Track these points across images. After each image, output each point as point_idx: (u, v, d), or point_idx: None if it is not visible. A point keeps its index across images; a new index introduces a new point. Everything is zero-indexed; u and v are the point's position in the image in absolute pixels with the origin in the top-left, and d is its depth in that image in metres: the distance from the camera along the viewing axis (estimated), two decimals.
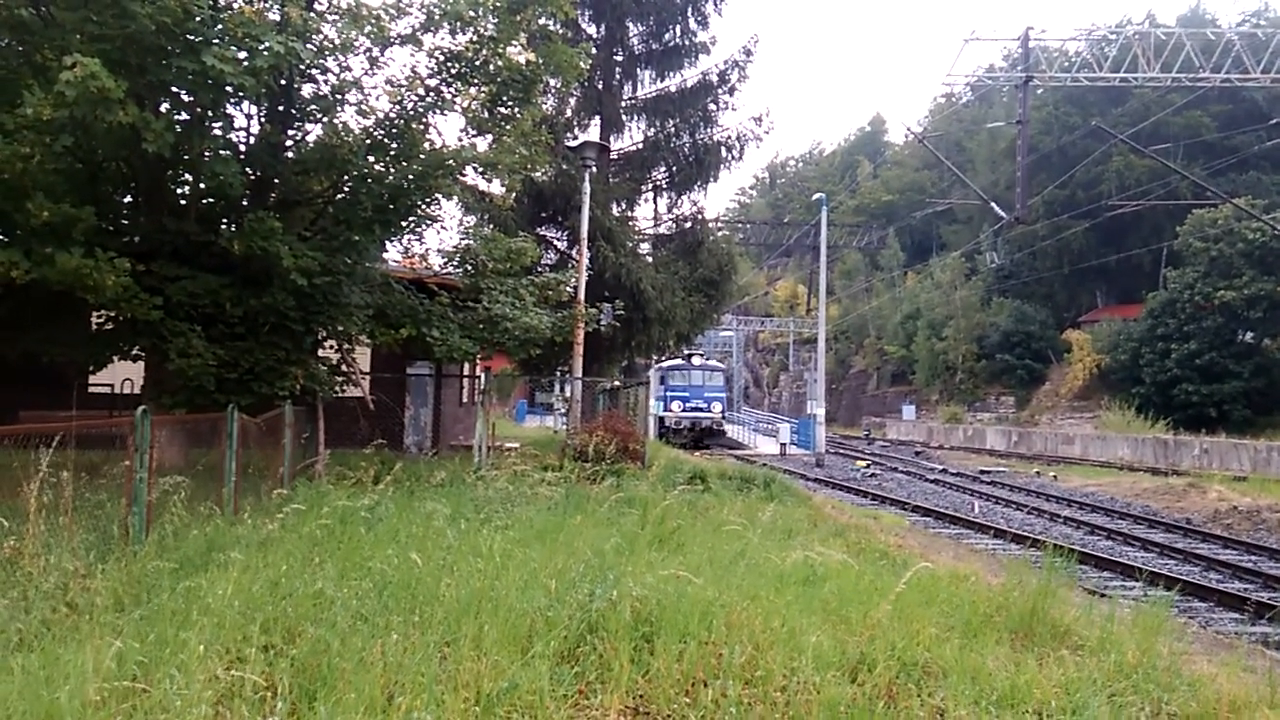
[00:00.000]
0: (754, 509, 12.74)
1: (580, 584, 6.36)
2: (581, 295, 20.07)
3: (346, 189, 14.46)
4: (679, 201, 29.37)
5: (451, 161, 14.28)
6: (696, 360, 44.23)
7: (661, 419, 41.86)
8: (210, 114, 12.80)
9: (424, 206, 15.22)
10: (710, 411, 43.03)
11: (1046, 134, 65.35)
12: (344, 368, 15.89)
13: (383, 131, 13.79)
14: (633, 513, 10.65)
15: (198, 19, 10.92)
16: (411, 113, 13.87)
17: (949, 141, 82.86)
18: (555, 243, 28.46)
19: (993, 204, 33.95)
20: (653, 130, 28.45)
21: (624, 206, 28.87)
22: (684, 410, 42.62)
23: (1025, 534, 18.03)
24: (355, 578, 6.52)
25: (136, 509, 7.47)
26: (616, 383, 29.18)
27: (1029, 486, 30.27)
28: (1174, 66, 27.85)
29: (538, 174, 23.53)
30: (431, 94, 13.96)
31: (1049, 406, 63.24)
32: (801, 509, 15.41)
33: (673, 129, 28.24)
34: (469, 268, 17.38)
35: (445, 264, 18.06)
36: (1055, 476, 34.74)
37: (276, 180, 14.26)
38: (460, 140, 15.08)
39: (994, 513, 23.18)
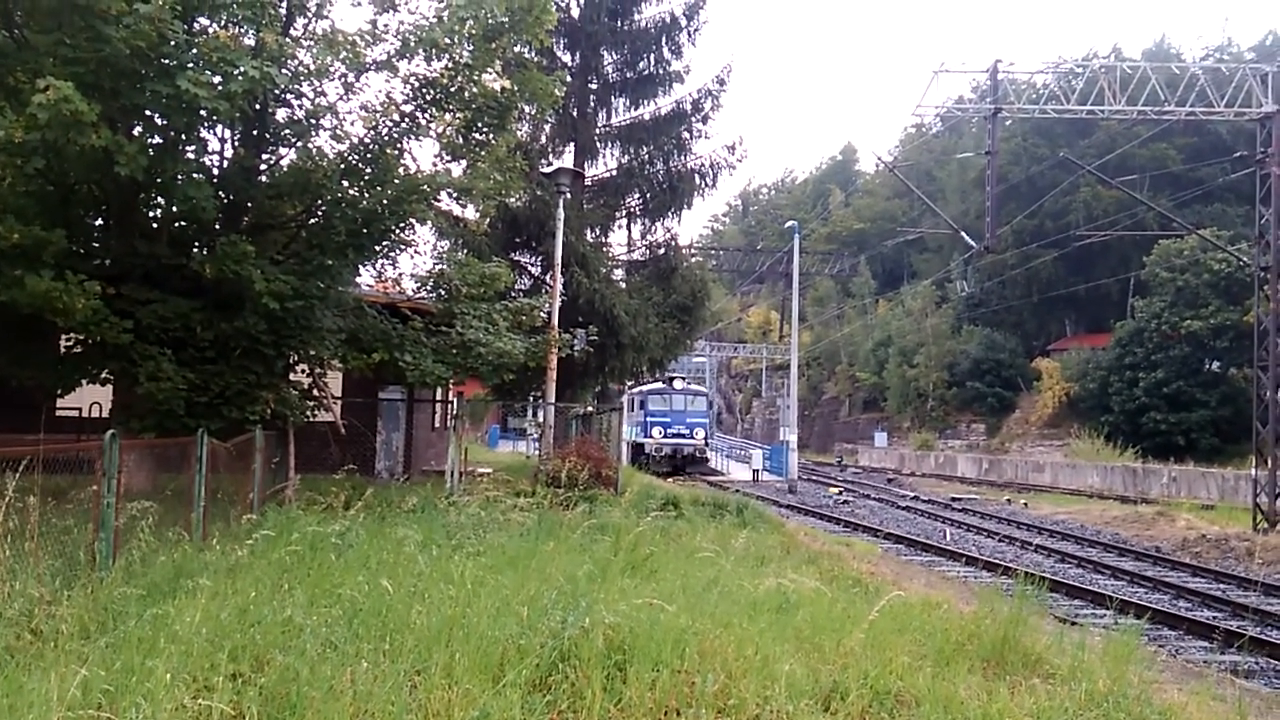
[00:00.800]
0: (727, 536, 12.73)
1: (553, 611, 6.32)
2: (555, 321, 20.07)
3: (320, 213, 14.43)
4: (653, 228, 29.52)
5: (426, 187, 14.28)
6: (678, 384, 43.32)
7: (640, 445, 41.13)
8: (184, 138, 12.75)
9: (398, 231, 15.20)
10: (693, 438, 41.92)
11: (1015, 164, 66.27)
12: (315, 392, 15.79)
13: (357, 156, 13.78)
14: (605, 539, 10.61)
15: (172, 43, 10.91)
16: (386, 138, 13.87)
17: (919, 171, 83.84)
18: (529, 268, 28.48)
19: (963, 233, 34.27)
20: (627, 157, 28.61)
21: (598, 233, 28.95)
22: (665, 436, 41.47)
23: (996, 561, 18.13)
24: (325, 605, 6.45)
25: (104, 534, 7.36)
26: (590, 408, 29.15)
27: (1000, 514, 30.43)
28: (1140, 100, 28.33)
29: (512, 200, 23.55)
30: (406, 120, 13.98)
31: (1019, 434, 63.77)
32: (774, 536, 15.43)
33: (647, 156, 28.40)
34: (442, 292, 17.34)
35: (419, 288, 18.02)
36: (1026, 504, 34.96)
37: (250, 204, 14.21)
38: (435, 165, 15.10)
39: (965, 540, 23.29)
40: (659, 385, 42.19)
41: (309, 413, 15.43)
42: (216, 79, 11.16)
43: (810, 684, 5.62)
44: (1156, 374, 52.66)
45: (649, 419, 41.82)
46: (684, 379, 45.36)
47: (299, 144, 13.95)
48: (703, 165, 28.47)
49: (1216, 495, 35.57)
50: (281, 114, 13.99)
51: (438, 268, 18.08)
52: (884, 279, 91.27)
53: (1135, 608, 13.94)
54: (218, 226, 13.65)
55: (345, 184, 13.86)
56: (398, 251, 16.11)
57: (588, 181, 27.92)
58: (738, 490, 27.14)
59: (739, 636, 6.38)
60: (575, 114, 27.73)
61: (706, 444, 43.32)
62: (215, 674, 4.88)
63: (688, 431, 41.76)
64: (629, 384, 43.03)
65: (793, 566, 11.02)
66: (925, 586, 12.80)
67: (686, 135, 28.41)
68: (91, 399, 16.82)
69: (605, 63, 28.37)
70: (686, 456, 41.23)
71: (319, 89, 13.48)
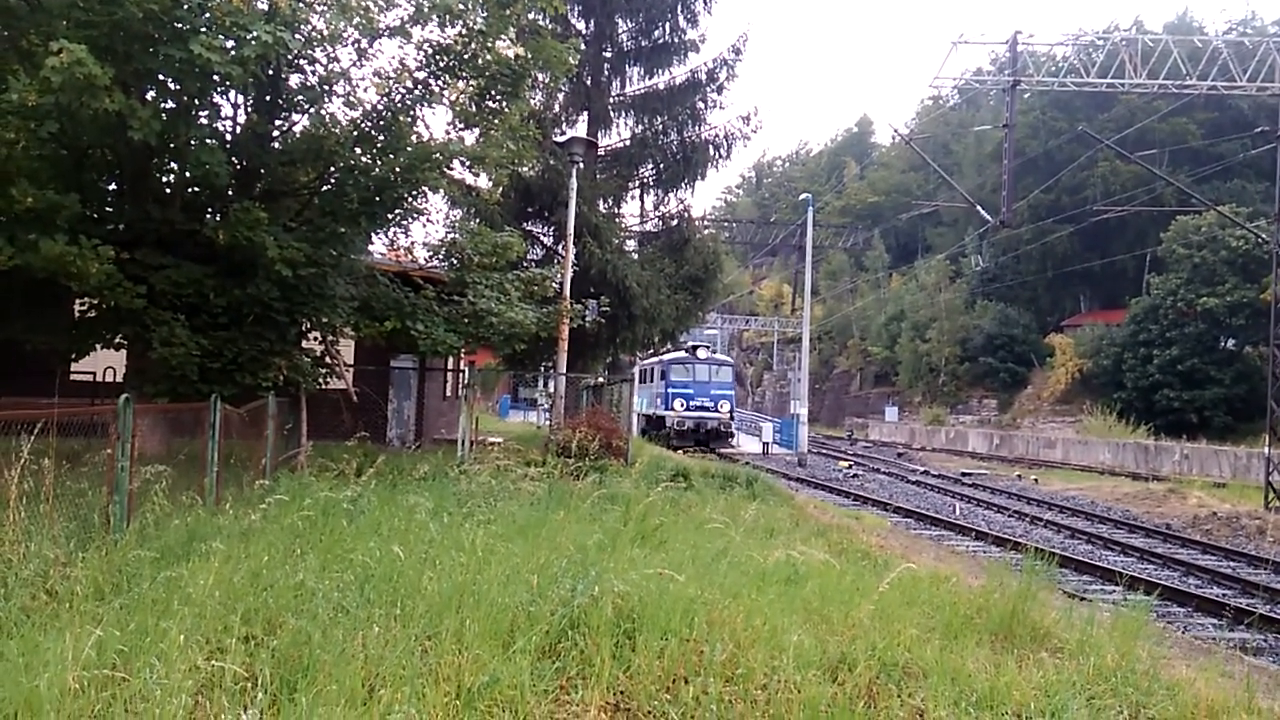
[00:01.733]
0: (736, 507, 12.76)
1: (562, 580, 6.35)
2: (567, 291, 20.05)
3: (333, 180, 14.40)
4: (666, 199, 29.37)
5: (438, 155, 14.23)
6: (702, 353, 40.07)
7: (660, 418, 38.90)
8: (197, 103, 12.71)
9: (410, 199, 15.17)
10: (718, 411, 38.44)
11: (1033, 138, 65.73)
12: (328, 360, 15.83)
13: (370, 123, 13.74)
14: (615, 509, 10.65)
15: (185, 7, 10.85)
16: (399, 105, 13.81)
17: (935, 144, 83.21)
18: (541, 238, 28.41)
19: (978, 207, 34.05)
20: (641, 127, 28.42)
21: (611, 203, 28.85)
22: (688, 409, 38.03)
23: (1006, 536, 18.13)
24: (337, 570, 6.50)
25: (118, 498, 7.42)
26: (601, 379, 29.17)
27: (1010, 489, 30.42)
28: (1160, 73, 28.00)
29: (525, 169, 23.45)
30: (419, 87, 13.91)
31: (1031, 410, 63.63)
32: (784, 508, 15.45)
33: (660, 126, 28.22)
34: (454, 262, 17.33)
35: (431, 257, 18.02)
36: (1036, 480, 34.93)
37: (263, 170, 14.18)
38: (448, 134, 15.03)
39: (975, 515, 23.30)
40: (681, 354, 39.64)
41: (321, 380, 15.49)
42: (229, 43, 11.11)
43: (818, 655, 5.64)
44: (1171, 351, 52.39)
45: (670, 390, 38.63)
46: (708, 347, 41.92)
47: (312, 110, 13.90)
48: (717, 136, 28.29)
49: (1229, 473, 35.48)
50: (294, 80, 13.94)
51: (450, 237, 18.07)
52: (898, 253, 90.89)
53: (1145, 584, 13.96)
54: (231, 192, 13.65)
55: (358, 151, 13.82)
56: (410, 220, 16.10)
57: (601, 151, 27.79)
58: (747, 463, 27.18)
59: (747, 607, 6.40)
60: (589, 83, 27.55)
61: (732, 418, 39.86)
62: (228, 636, 4.93)
63: (712, 404, 38.38)
64: (640, 354, 41.55)
65: (802, 539, 11.05)
66: (934, 560, 12.83)
67: (701, 105, 28.21)
68: (105, 364, 16.91)
69: (620, 30, 28.14)
70: (710, 431, 37.79)
71: (332, 54, 13.41)
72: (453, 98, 14.31)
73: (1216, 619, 13.00)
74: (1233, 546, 19.32)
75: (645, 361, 43.37)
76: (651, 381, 42.13)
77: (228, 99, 13.84)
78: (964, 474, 35.72)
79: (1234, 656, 8.70)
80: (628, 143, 28.61)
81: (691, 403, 38.07)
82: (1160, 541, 19.98)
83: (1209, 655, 8.10)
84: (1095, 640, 6.74)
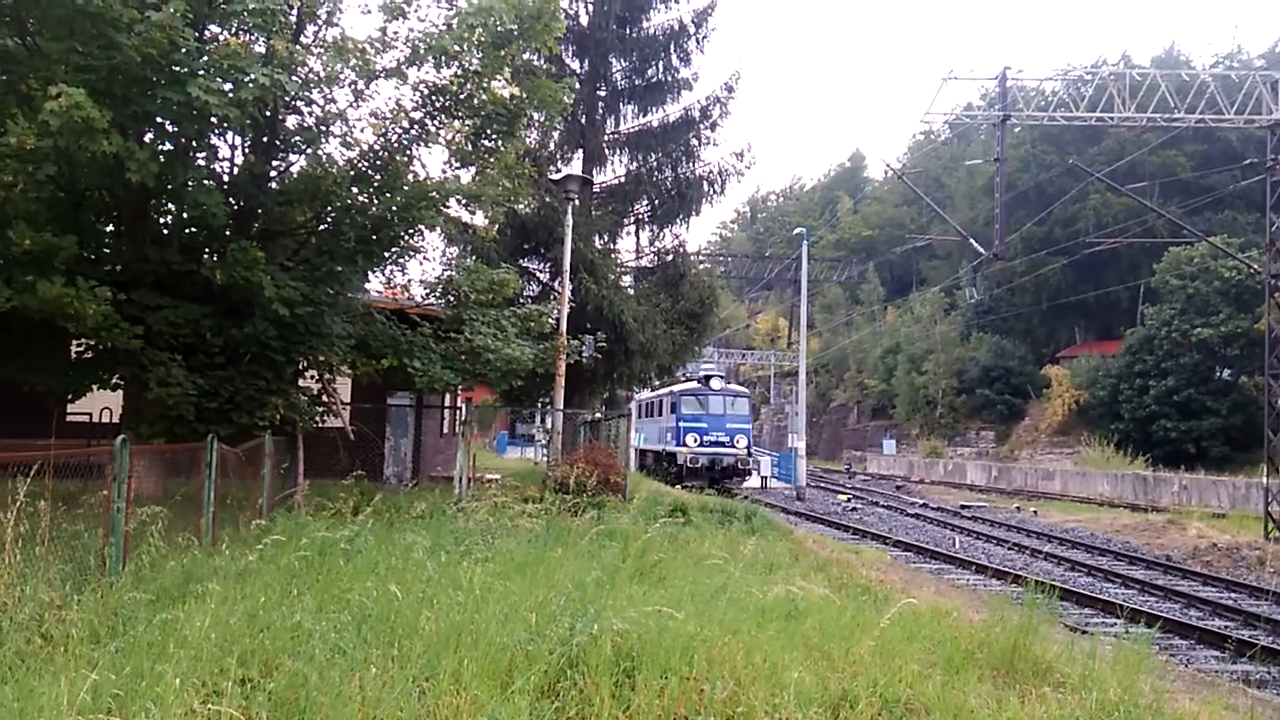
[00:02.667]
0: (735, 543, 12.72)
1: (561, 618, 6.32)
2: (563, 327, 20.08)
3: (330, 220, 14.47)
4: (661, 234, 29.46)
5: (435, 193, 14.32)
6: (716, 384, 36.91)
7: (670, 455, 35.62)
8: (194, 144, 12.82)
9: (407, 238, 15.24)
10: (734, 447, 35.13)
11: (1024, 171, 66.17)
12: (324, 398, 15.81)
13: (367, 163, 13.83)
14: (614, 546, 10.61)
15: (183, 50, 10.96)
16: (395, 145, 13.92)
17: (928, 178, 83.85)
18: (538, 274, 28.48)
19: (971, 240, 34.21)
20: (635, 164, 28.58)
21: (606, 239, 28.95)
22: (701, 445, 34.74)
23: (1006, 570, 18.06)
24: (334, 610, 6.46)
25: (114, 539, 7.39)
26: (598, 415, 29.13)
27: (1009, 522, 30.34)
28: (1149, 106, 28.27)
29: (521, 206, 23.58)
30: (416, 126, 14.02)
31: (1029, 441, 63.56)
32: (783, 543, 15.39)
33: (655, 163, 28.38)
34: (451, 299, 17.37)
35: (427, 295, 18.05)
36: (1035, 512, 34.84)
37: (260, 210, 14.26)
38: (444, 172, 15.15)
39: (975, 548, 23.22)
40: (693, 384, 36.94)
41: (318, 418, 15.46)
42: (227, 86, 11.22)
43: (819, 692, 5.60)
44: (1167, 381, 52.44)
45: (681, 424, 35.43)
46: (722, 377, 38.29)
47: (309, 151, 14.01)
48: (711, 172, 28.44)
49: (1228, 503, 35.42)
50: (292, 121, 14.06)
51: (446, 274, 18.11)
52: (893, 286, 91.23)
53: (1146, 616, 13.90)
54: (228, 233, 13.70)
55: (355, 190, 13.91)
56: (407, 258, 16.14)
57: (596, 188, 27.93)
58: (746, 497, 27.06)
59: (747, 644, 6.36)
60: (584, 121, 27.75)
61: (749, 453, 36.54)
62: (224, 679, 4.89)
63: (728, 439, 35.19)
64: (637, 388, 40.41)
65: (801, 574, 11.00)
66: (935, 594, 12.77)
67: (695, 142, 28.39)
68: (102, 404, 16.88)
69: (614, 70, 28.38)
70: (726, 469, 34.70)
71: (329, 96, 13.55)
72: (449, 137, 14.43)
73: (1219, 651, 12.93)
74: (1233, 578, 19.25)
75: (649, 394, 41.55)
76: (657, 415, 39.87)
77: (225, 140, 13.95)
78: (963, 506, 35.63)
79: (1237, 689, 8.64)
80: (623, 179, 28.77)
81: (705, 438, 34.97)
82: (1161, 573, 19.91)
83: (1212, 688, 8.05)
84: (1098, 674, 6.70)
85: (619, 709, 5.14)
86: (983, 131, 69.93)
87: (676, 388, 36.82)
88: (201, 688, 4.87)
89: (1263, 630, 13.91)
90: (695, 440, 34.77)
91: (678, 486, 28.50)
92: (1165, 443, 51.39)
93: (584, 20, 27.49)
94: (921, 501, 37.85)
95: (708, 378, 36.89)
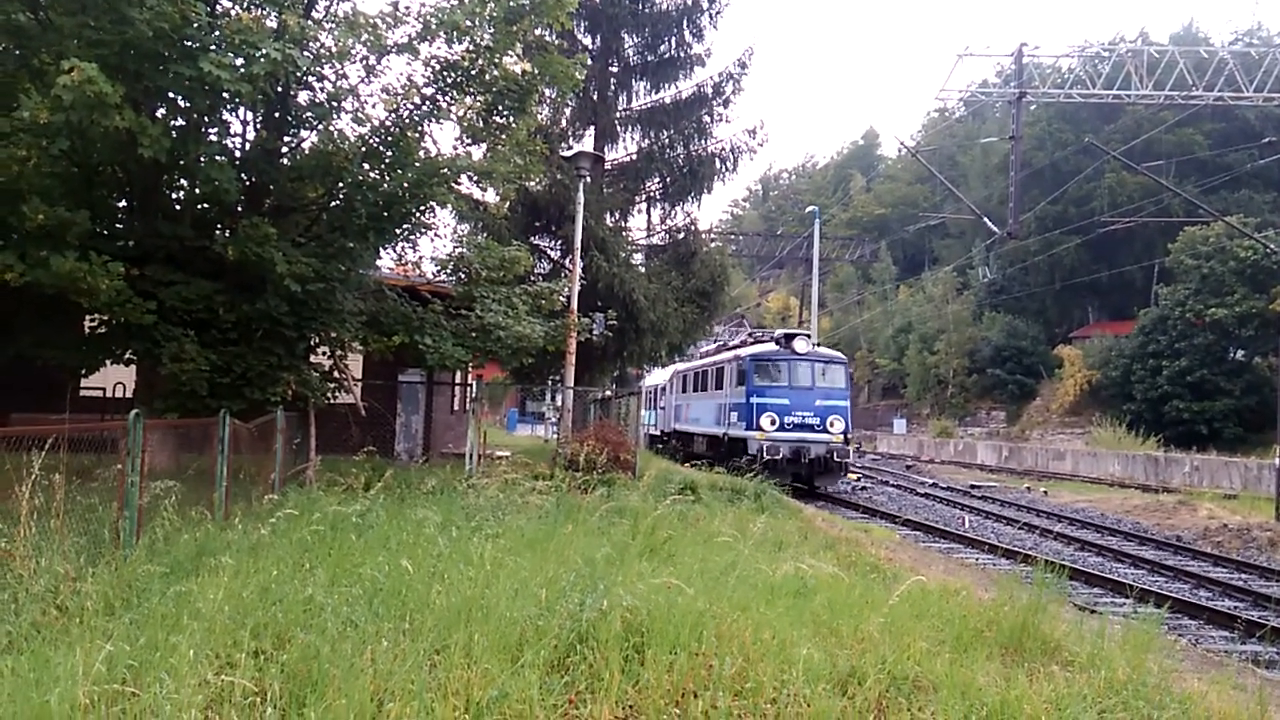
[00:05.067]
0: (745, 520, 12.74)
1: (571, 593, 6.36)
2: (574, 305, 20.08)
3: (341, 196, 14.49)
4: (672, 212, 29.42)
5: (446, 170, 14.31)
6: (802, 345, 27.32)
7: (738, 443, 26.97)
8: (206, 120, 12.83)
9: (418, 214, 15.24)
10: (828, 431, 26.04)
11: (1039, 150, 65.70)
12: (336, 374, 15.87)
13: (378, 139, 13.82)
14: (623, 523, 10.65)
15: (195, 25, 10.95)
16: (407, 121, 13.90)
17: (942, 156, 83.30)
18: (548, 252, 28.48)
19: (985, 218, 34.07)
20: (647, 141, 28.50)
21: (617, 217, 28.90)
22: (783, 429, 25.74)
23: (1016, 549, 18.05)
24: (346, 584, 6.51)
25: (128, 513, 7.45)
26: (608, 393, 29.16)
27: (1019, 502, 30.31)
28: (1167, 84, 28.02)
29: (532, 183, 23.54)
30: (427, 103, 13.99)
31: (1040, 422, 63.45)
32: (792, 521, 15.42)
33: (667, 140, 28.29)
34: (462, 276, 17.39)
35: (439, 272, 18.07)
36: (1046, 492, 34.79)
37: (272, 186, 14.27)
38: (455, 149, 15.12)
39: (984, 528, 23.21)
40: (770, 346, 28.02)
41: (330, 394, 15.53)
42: (239, 61, 11.22)
43: (828, 668, 5.62)
44: (1180, 362, 52.22)
45: (754, 400, 26.34)
46: (807, 336, 28.67)
47: (320, 126, 14.00)
48: (723, 149, 28.34)
49: (1239, 484, 35.30)
50: (303, 96, 14.04)
51: (458, 251, 18.12)
52: (905, 265, 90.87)
53: (1155, 596, 13.88)
54: (240, 209, 13.74)
55: (366, 167, 13.91)
56: (418, 235, 16.15)
57: (607, 165, 27.87)
58: (755, 475, 27.06)
59: (756, 620, 6.39)
60: (595, 97, 27.66)
61: (847, 442, 26.86)
62: (238, 651, 4.94)
63: (819, 421, 26.04)
64: (648, 366, 37.51)
65: (810, 552, 11.02)
66: (944, 573, 12.78)
67: (707, 119, 28.27)
68: (115, 379, 16.97)
69: (626, 46, 28.25)
70: (817, 462, 25.76)
71: (340, 71, 13.52)
72: (460, 113, 14.39)
73: (1228, 631, 12.91)
74: (1244, 558, 19.21)
75: (694, 363, 34.65)
76: (706, 388, 31.91)
77: (237, 116, 13.96)
78: (973, 486, 35.60)
79: (1246, 669, 8.64)
80: (634, 157, 28.69)
81: (788, 419, 25.90)
82: (1171, 554, 19.87)
83: (1221, 668, 8.05)
84: (1106, 653, 6.71)
85: (628, 683, 5.18)
86: (998, 109, 69.56)
87: (743, 350, 28.64)
88: (215, 659, 4.92)
89: (1272, 611, 13.89)
90: (773, 422, 25.75)
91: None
92: (1177, 423, 51.24)
93: None
94: (931, 481, 37.83)
95: (789, 336, 27.86)
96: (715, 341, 40.26)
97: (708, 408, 31.23)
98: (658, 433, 40.12)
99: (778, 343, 27.87)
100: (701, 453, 30.10)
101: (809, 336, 28.64)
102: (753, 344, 29.35)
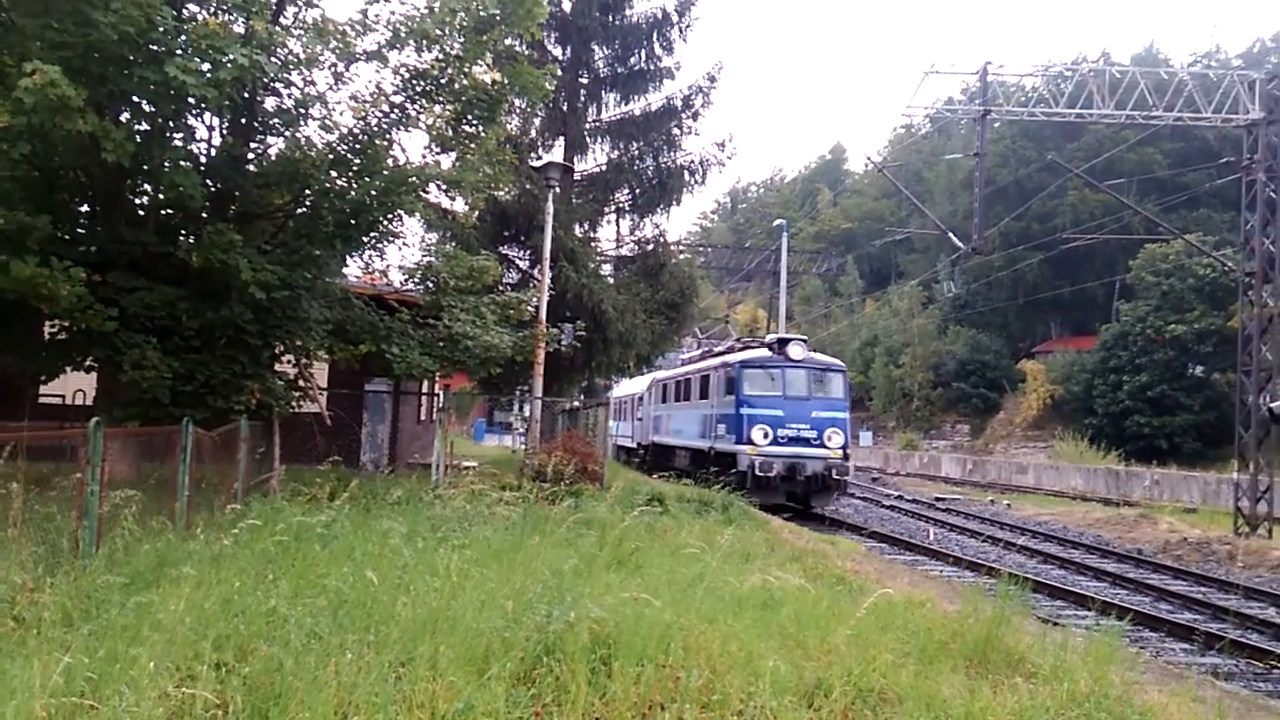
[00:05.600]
0: (712, 532, 12.74)
1: (538, 605, 6.32)
2: (543, 315, 20.05)
3: (308, 203, 14.38)
4: (641, 224, 29.51)
5: (415, 178, 14.25)
6: (797, 351, 25.15)
7: (725, 457, 24.71)
8: (171, 124, 12.71)
9: (386, 222, 15.15)
10: (825, 446, 23.97)
11: (1003, 166, 66.59)
12: (301, 383, 15.74)
13: (346, 147, 13.73)
14: (591, 534, 10.61)
15: (161, 29, 10.85)
16: (375, 129, 13.83)
17: (908, 172, 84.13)
18: (517, 262, 28.44)
19: (950, 234, 34.39)
20: (616, 153, 28.57)
21: (587, 227, 28.93)
22: (775, 442, 23.73)
23: (980, 561, 18.19)
24: (310, 595, 6.43)
25: (87, 522, 7.32)
26: (577, 403, 29.11)
27: (983, 514, 30.56)
28: (1128, 104, 28.43)
29: (501, 193, 23.54)
30: (396, 110, 13.94)
31: (1003, 435, 64.08)
32: (759, 533, 15.45)
33: (636, 152, 28.38)
34: (430, 285, 17.31)
35: (406, 280, 17.98)
36: (1009, 505, 35.12)
37: (237, 193, 14.14)
38: (424, 157, 15.08)
39: (949, 540, 23.38)
40: (762, 352, 26.04)
41: (294, 403, 15.38)
42: (205, 66, 11.12)
43: (794, 680, 5.63)
44: (1140, 377, 52.99)
45: (744, 411, 24.25)
46: (804, 342, 26.04)
47: (288, 133, 13.91)
48: (692, 162, 28.46)
49: (1199, 499, 35.81)
50: (270, 103, 13.95)
51: (426, 260, 18.04)
52: (871, 278, 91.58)
53: (1117, 609, 13.99)
54: (205, 215, 13.59)
55: (334, 174, 13.82)
56: (386, 243, 16.05)
57: (577, 176, 27.89)
58: (723, 487, 27.08)
59: (724, 632, 6.39)
60: (565, 108, 27.70)
61: (846, 457, 24.57)
62: (199, 663, 4.86)
63: (816, 435, 24.07)
64: (615, 377, 36.37)
65: (777, 563, 11.04)
66: (909, 585, 12.84)
67: (677, 131, 28.38)
68: (76, 386, 16.74)
69: (596, 57, 28.33)
70: (814, 480, 23.80)
71: (308, 78, 13.43)
72: (429, 122, 14.35)
73: (1188, 644, 13.08)
74: (1203, 571, 19.48)
75: (675, 370, 32.69)
76: (690, 397, 29.68)
77: (202, 121, 13.82)
78: (938, 499, 35.85)
79: (1206, 681, 8.75)
80: (604, 168, 28.75)
81: (781, 432, 23.85)
82: (1132, 567, 20.11)
83: (1181, 680, 8.14)
84: (1069, 665, 6.77)
85: (595, 696, 5.16)
86: (963, 126, 70.25)
87: (732, 357, 26.64)
88: (176, 671, 4.84)
89: (1231, 623, 14.08)
90: (765, 435, 23.70)
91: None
92: (1138, 438, 51.97)
93: (566, 6, 27.42)
94: (897, 493, 38.05)
95: (784, 341, 25.62)
96: (698, 348, 38.69)
97: (691, 419, 29.19)
98: (634, 445, 38.97)
99: (770, 348, 25.74)
100: (684, 468, 28.08)
101: (805, 342, 25.82)
102: (741, 349, 27.32)
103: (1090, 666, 6.75)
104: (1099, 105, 28.57)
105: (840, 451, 24.07)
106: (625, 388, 42.41)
